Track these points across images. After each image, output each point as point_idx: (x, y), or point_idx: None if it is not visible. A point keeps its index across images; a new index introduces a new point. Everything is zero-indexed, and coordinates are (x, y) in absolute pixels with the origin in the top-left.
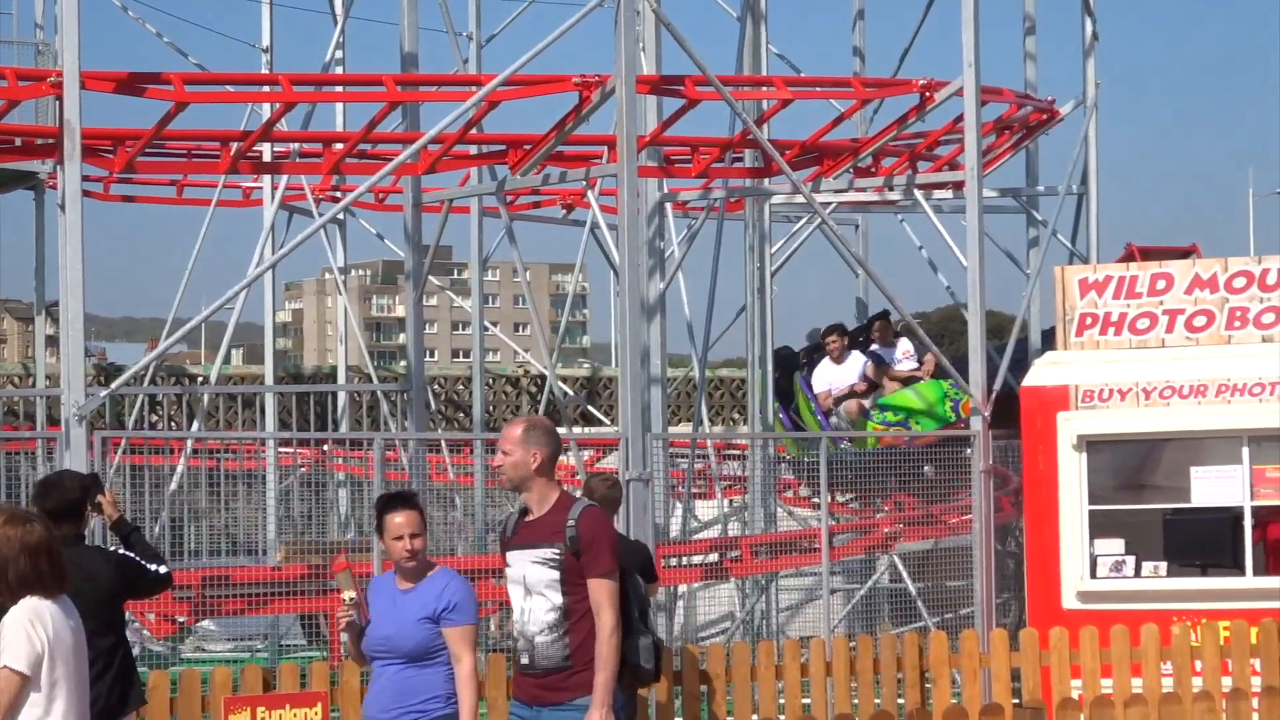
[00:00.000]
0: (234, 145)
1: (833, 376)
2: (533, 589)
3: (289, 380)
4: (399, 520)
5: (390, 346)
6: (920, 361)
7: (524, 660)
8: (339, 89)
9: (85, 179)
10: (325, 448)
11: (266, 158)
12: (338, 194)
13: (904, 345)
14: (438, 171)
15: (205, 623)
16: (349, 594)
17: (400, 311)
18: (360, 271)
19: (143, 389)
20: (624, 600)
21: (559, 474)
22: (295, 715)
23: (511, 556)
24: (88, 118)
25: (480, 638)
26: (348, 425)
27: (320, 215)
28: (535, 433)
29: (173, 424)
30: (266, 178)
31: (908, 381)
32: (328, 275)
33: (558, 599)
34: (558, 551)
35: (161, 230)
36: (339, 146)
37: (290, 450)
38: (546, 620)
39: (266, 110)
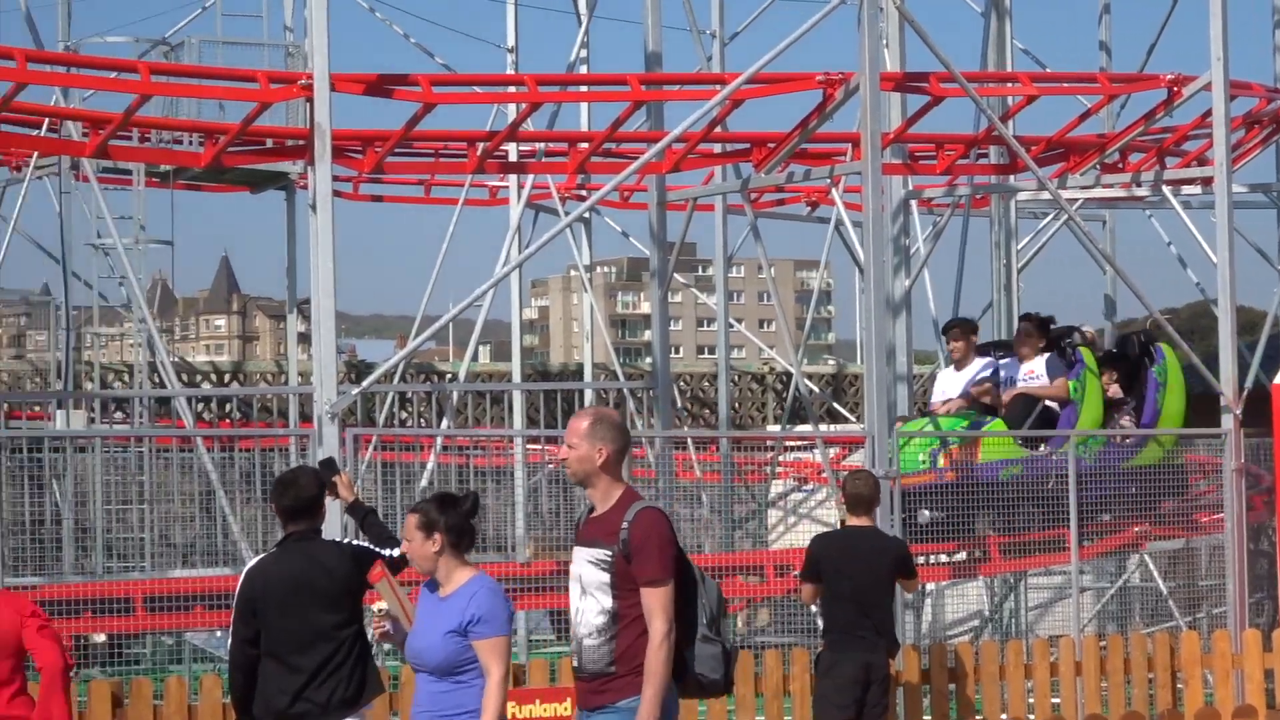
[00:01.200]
0: (480, 145)
1: (946, 385)
2: (587, 589)
3: (536, 377)
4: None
5: (636, 343)
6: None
7: (575, 663)
8: (584, 89)
9: (335, 179)
10: None
11: (513, 157)
12: (583, 193)
13: (1036, 364)
14: (682, 170)
15: None
16: (379, 605)
17: (645, 308)
18: (605, 269)
19: (393, 386)
20: (688, 607)
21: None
22: (545, 710)
23: (576, 553)
24: (337, 119)
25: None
26: None
27: (566, 214)
28: (602, 426)
29: (422, 420)
30: (513, 177)
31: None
32: (573, 272)
33: (607, 602)
34: (610, 554)
35: (409, 229)
36: (584, 146)
37: (538, 447)
38: (595, 623)
39: (512, 110)
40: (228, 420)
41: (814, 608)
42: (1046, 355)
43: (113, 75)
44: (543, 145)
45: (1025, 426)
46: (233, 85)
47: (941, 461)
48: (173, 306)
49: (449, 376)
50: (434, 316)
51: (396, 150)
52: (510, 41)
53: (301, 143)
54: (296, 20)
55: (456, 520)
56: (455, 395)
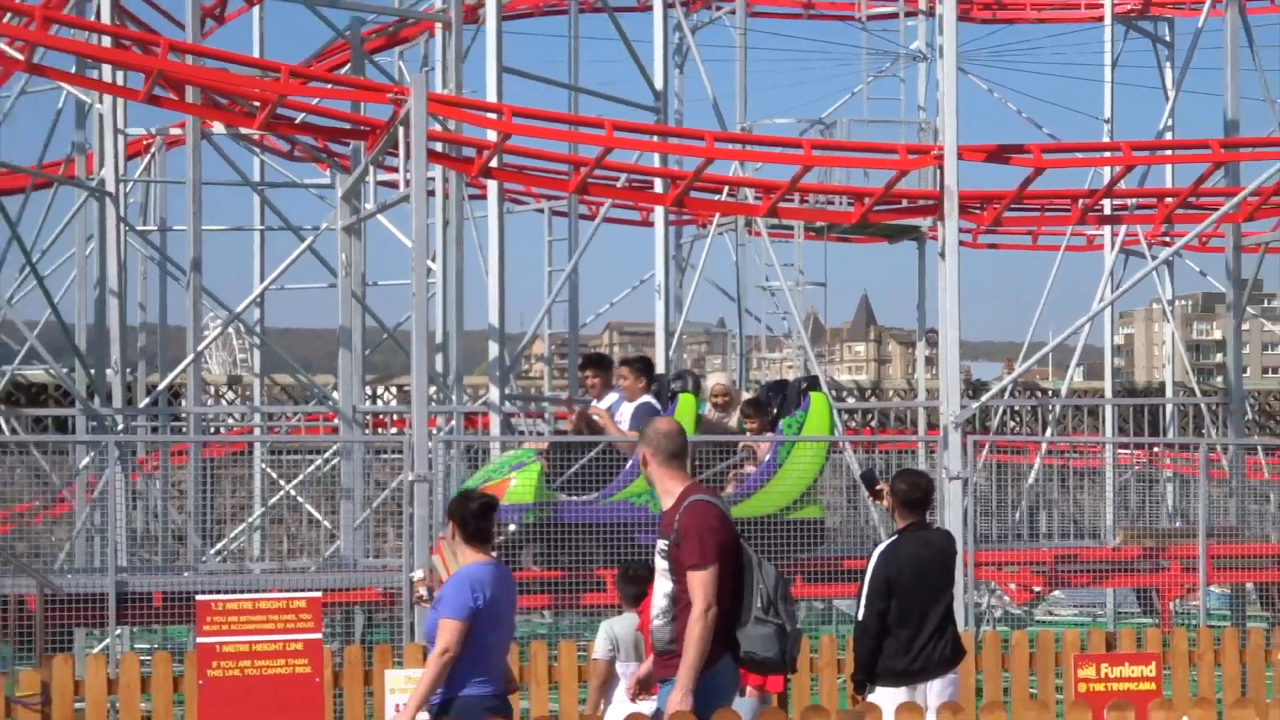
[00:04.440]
0: (1081, 201)
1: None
2: (660, 576)
3: (1124, 393)
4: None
5: (1209, 364)
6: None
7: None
8: (1169, 153)
9: (960, 231)
10: (1155, 450)
11: (1108, 210)
12: (1167, 239)
13: (626, 409)
14: (1255, 219)
15: (1056, 593)
16: (418, 573)
17: (1218, 334)
18: (1183, 301)
19: (1004, 401)
20: (741, 591)
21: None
22: (1134, 670)
23: (660, 545)
24: (962, 182)
25: None
26: (1175, 431)
27: (1153, 258)
28: (646, 435)
29: (1027, 429)
30: (1108, 228)
31: None
32: (1155, 305)
33: (668, 586)
34: (667, 543)
35: (1018, 270)
36: (1170, 200)
37: (1127, 451)
38: (660, 605)
39: (1108, 172)
40: (869, 428)
41: None
42: (640, 401)
43: (779, 150)
44: (1134, 200)
45: (566, 477)
46: (876, 156)
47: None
48: (822, 335)
49: (1050, 393)
50: (1038, 343)
51: (1011, 207)
52: (1107, 114)
53: (932, 202)
54: (929, 101)
55: (464, 514)
56: (1056, 408)
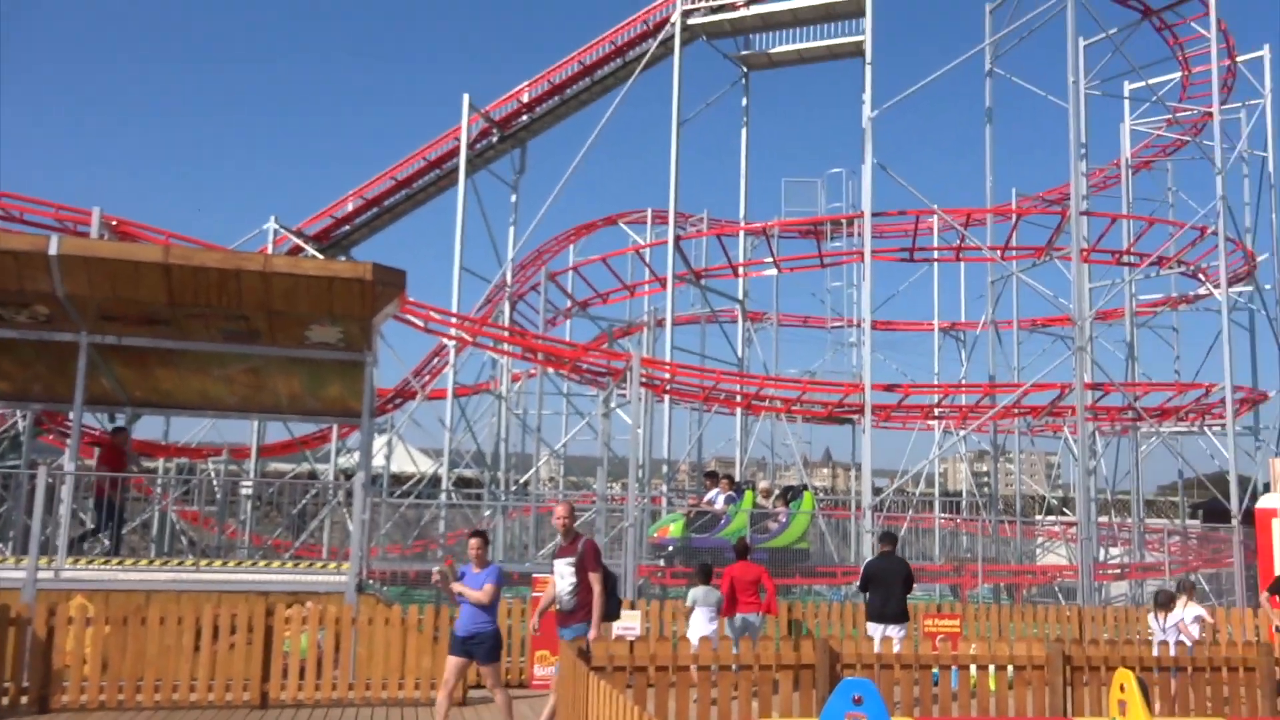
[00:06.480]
0: (925, 411)
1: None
2: (563, 575)
3: (942, 495)
4: (472, 542)
5: (981, 482)
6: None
7: (558, 605)
8: (963, 396)
9: (872, 420)
10: (958, 520)
11: (936, 413)
12: (963, 428)
13: (720, 497)
14: (1003, 418)
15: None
16: (438, 569)
17: (984, 469)
18: (970, 452)
19: (889, 497)
20: (609, 582)
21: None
22: (949, 623)
23: (556, 562)
24: (873, 399)
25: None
26: (967, 510)
27: (960, 436)
28: (571, 510)
29: (900, 509)
30: (936, 421)
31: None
32: (957, 454)
33: (572, 579)
34: (573, 558)
35: (895, 438)
36: (965, 409)
37: (947, 518)
38: (567, 589)
39: (937, 398)
40: (829, 507)
41: None
42: (727, 493)
43: (789, 385)
44: (947, 411)
45: (695, 526)
46: (834, 390)
47: (657, 533)
48: (806, 466)
49: (913, 494)
50: (905, 470)
51: (894, 411)
52: (936, 368)
53: (858, 408)
54: (859, 365)
55: (483, 538)
56: (914, 500)
